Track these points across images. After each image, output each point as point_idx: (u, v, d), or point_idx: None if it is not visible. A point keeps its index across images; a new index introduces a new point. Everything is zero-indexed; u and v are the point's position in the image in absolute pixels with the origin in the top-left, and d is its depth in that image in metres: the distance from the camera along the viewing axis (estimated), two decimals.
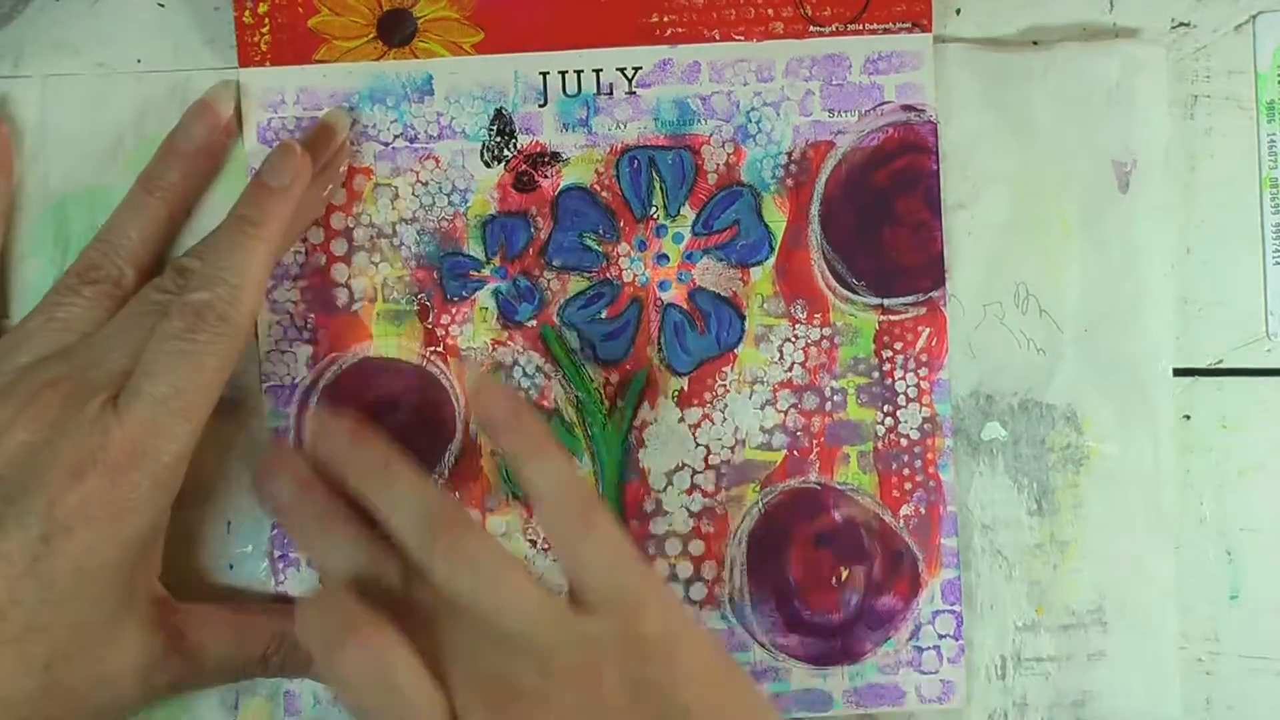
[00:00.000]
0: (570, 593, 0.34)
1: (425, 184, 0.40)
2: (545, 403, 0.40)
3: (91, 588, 0.33)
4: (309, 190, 0.38)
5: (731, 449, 0.40)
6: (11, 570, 0.32)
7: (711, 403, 0.40)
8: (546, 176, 0.40)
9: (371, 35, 0.40)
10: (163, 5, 0.40)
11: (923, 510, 0.40)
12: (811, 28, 0.40)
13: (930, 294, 0.40)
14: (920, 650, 0.40)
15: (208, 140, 0.39)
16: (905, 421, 0.40)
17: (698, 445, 0.40)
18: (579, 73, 0.40)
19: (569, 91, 0.40)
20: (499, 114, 0.40)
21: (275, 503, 0.37)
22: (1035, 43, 0.40)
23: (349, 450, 0.36)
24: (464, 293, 0.40)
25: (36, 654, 0.33)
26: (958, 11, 0.40)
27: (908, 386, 0.40)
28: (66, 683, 0.33)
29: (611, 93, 0.40)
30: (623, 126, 0.40)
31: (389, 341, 0.40)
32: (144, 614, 0.35)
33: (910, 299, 0.40)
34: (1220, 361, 0.40)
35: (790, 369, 0.40)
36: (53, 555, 0.33)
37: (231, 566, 0.40)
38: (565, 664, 0.32)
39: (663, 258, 0.40)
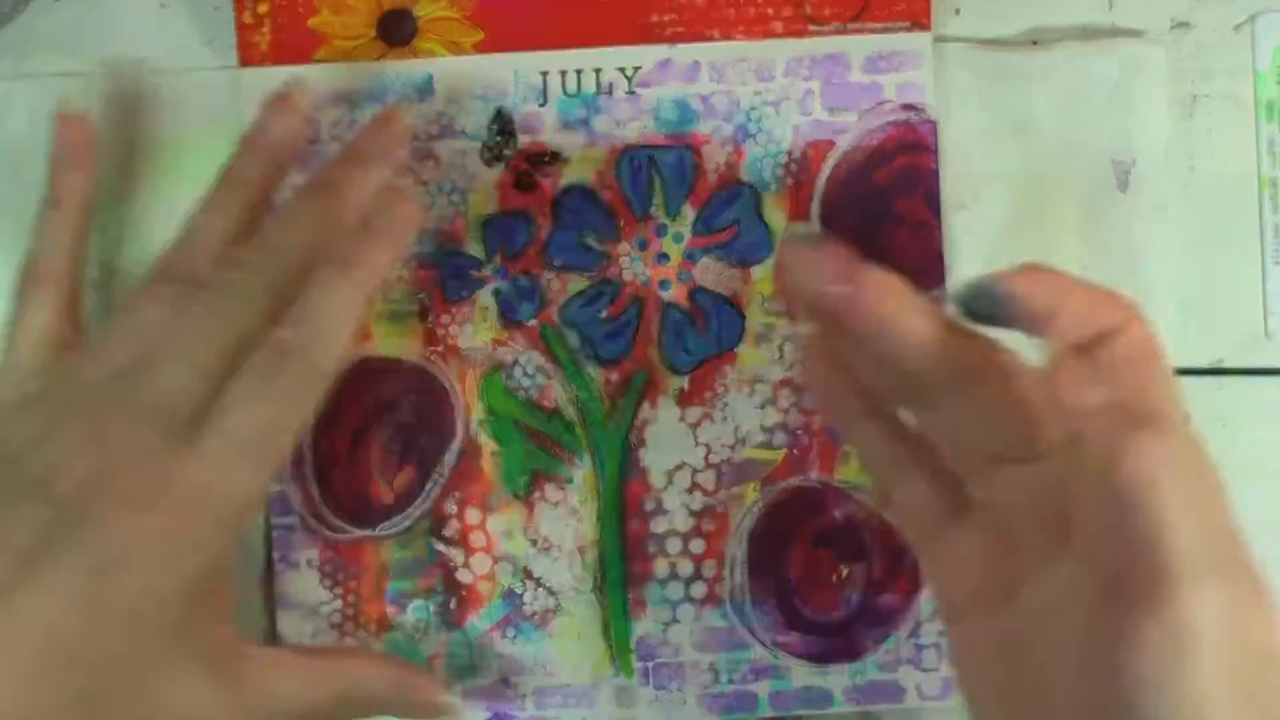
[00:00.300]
0: None
1: (425, 183, 0.40)
2: (546, 402, 0.40)
3: (141, 624, 0.31)
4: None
5: (732, 448, 0.40)
6: (59, 601, 0.30)
7: (712, 402, 0.40)
8: (547, 176, 0.40)
9: (371, 35, 0.40)
10: (164, 5, 0.40)
11: None
12: (811, 27, 0.40)
13: (930, 293, 0.40)
14: (921, 648, 0.40)
15: (286, 135, 0.37)
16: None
17: (698, 444, 0.40)
18: (579, 72, 0.40)
19: (569, 91, 0.40)
20: (499, 113, 0.40)
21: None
22: (1035, 43, 0.40)
23: (840, 297, 0.30)
24: (464, 292, 0.40)
25: (73, 687, 0.30)
26: (957, 11, 0.40)
27: None
28: (101, 719, 0.31)
29: (611, 92, 0.40)
30: (623, 126, 0.40)
31: (389, 341, 0.40)
32: (200, 655, 0.32)
33: None
34: (1220, 361, 0.40)
35: (791, 368, 0.40)
36: (104, 588, 0.30)
37: None
38: None
39: (663, 257, 0.40)
